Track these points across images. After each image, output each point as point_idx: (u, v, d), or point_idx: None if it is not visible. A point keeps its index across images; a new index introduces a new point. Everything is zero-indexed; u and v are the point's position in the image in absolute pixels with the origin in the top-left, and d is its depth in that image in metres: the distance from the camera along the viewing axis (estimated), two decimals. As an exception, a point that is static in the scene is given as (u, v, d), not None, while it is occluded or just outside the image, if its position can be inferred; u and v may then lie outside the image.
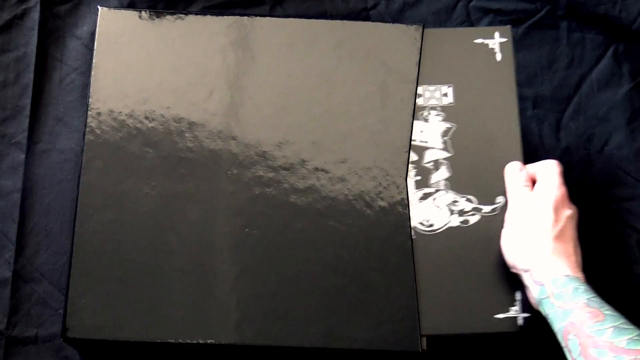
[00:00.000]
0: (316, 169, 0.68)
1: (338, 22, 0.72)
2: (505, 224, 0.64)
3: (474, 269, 0.65)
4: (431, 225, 0.66)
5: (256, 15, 0.72)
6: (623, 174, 0.76)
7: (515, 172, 0.65)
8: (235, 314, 0.65)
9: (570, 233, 0.61)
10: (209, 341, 0.64)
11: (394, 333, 0.64)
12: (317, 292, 0.65)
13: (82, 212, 0.66)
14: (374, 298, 0.65)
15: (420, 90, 0.69)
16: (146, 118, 0.69)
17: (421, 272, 0.65)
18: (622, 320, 0.54)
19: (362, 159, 0.68)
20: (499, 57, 0.69)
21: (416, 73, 0.70)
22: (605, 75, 0.78)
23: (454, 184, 0.67)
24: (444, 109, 0.68)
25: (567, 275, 0.58)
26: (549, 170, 0.64)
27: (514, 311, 0.64)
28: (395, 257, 0.66)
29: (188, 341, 0.64)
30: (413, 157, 0.67)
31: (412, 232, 0.66)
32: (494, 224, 0.65)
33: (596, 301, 0.56)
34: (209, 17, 0.71)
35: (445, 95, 0.68)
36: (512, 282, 0.64)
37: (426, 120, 0.68)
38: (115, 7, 0.73)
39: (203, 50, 0.70)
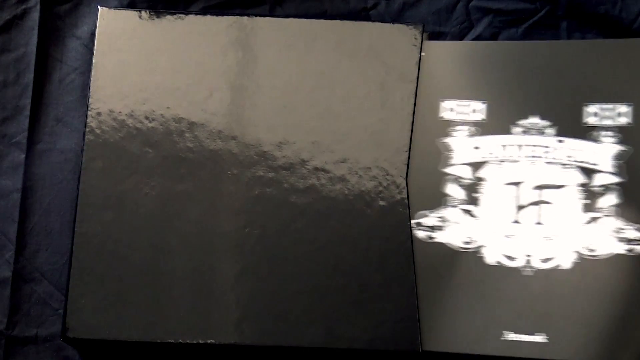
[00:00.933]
0: (316, 169, 0.68)
1: (338, 22, 0.72)
2: None
3: (635, 298, 0.62)
4: (595, 251, 0.63)
5: (256, 15, 0.72)
6: (623, 174, 0.76)
7: None
8: (235, 314, 0.65)
9: None
10: (209, 341, 0.64)
11: (394, 333, 0.64)
12: (317, 292, 0.65)
13: (82, 212, 0.66)
14: (374, 298, 0.65)
15: (594, 108, 0.65)
16: (146, 118, 0.69)
17: (581, 297, 0.63)
18: None
19: (362, 159, 0.68)
20: None
21: (416, 73, 0.70)
22: (605, 75, 0.78)
23: (622, 211, 0.63)
24: (620, 129, 0.64)
25: None
26: None
27: None
28: (395, 257, 0.66)
29: (188, 341, 0.64)
30: (582, 179, 0.64)
31: (575, 256, 0.64)
32: None
33: None
34: (209, 17, 0.71)
35: (622, 114, 0.64)
36: None
37: (599, 141, 0.64)
38: (115, 7, 0.73)
39: (203, 50, 0.70)
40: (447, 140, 0.67)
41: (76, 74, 0.76)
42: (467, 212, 0.66)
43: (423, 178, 0.67)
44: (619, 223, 0.63)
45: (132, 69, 0.70)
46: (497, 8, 0.79)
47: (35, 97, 0.75)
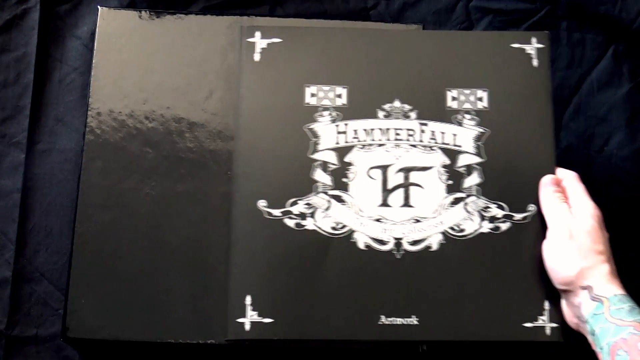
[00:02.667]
0: (316, 169, 0.68)
1: (338, 22, 0.72)
2: (550, 243, 0.62)
3: (503, 276, 0.63)
4: (462, 231, 0.64)
5: (256, 15, 0.72)
6: (623, 174, 0.76)
7: (551, 188, 0.64)
8: (235, 314, 0.65)
9: (611, 254, 0.61)
10: (209, 341, 0.64)
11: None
12: (317, 292, 0.65)
13: (82, 212, 0.66)
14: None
15: (455, 93, 0.67)
16: (146, 118, 0.69)
17: (450, 277, 0.63)
18: None
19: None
20: (535, 62, 0.67)
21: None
22: (605, 75, 0.78)
23: (485, 190, 0.65)
24: (478, 113, 0.67)
25: (624, 295, 0.59)
26: (578, 190, 0.63)
27: (542, 320, 0.62)
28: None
29: (188, 341, 0.64)
30: (445, 160, 0.66)
31: (442, 237, 0.64)
32: (525, 232, 0.64)
33: None
34: (209, 17, 0.71)
35: (480, 99, 0.67)
36: (541, 291, 0.63)
37: (460, 124, 0.66)
38: (115, 7, 0.73)
39: (203, 50, 0.70)
40: (313, 125, 0.67)
41: (76, 74, 0.76)
42: (336, 197, 0.65)
43: (292, 165, 0.66)
44: (482, 202, 0.65)
45: (132, 69, 0.70)
46: (497, 8, 0.79)
47: (35, 97, 0.75)
